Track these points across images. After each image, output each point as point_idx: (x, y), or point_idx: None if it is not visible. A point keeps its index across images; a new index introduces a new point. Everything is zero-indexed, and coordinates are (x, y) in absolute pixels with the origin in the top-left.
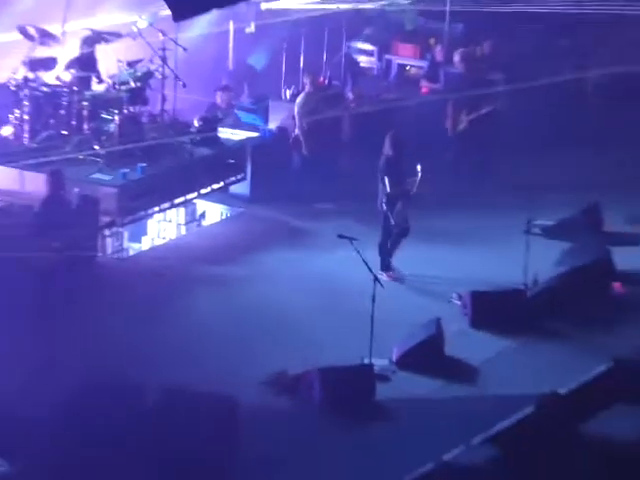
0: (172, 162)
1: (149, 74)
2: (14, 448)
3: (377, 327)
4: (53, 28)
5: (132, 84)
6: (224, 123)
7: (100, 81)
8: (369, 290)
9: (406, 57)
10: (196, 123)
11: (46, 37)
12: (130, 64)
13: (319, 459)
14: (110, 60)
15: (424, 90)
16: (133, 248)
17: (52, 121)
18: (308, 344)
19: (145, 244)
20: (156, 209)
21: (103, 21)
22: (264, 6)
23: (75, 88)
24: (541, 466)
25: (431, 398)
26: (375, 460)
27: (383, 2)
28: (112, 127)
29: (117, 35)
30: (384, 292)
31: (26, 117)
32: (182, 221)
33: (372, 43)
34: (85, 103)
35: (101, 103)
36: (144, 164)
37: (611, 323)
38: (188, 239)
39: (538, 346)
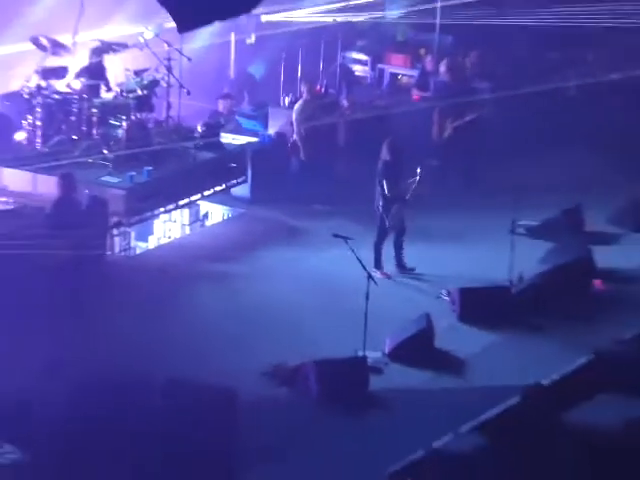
0: (177, 166)
1: (155, 82)
2: (26, 437)
3: (370, 322)
4: (64, 39)
5: (139, 92)
6: (226, 129)
7: (109, 89)
8: (363, 287)
9: (398, 67)
10: (199, 129)
11: (58, 47)
12: (137, 73)
13: (315, 446)
14: (118, 69)
15: (415, 98)
16: (140, 247)
17: (63, 127)
18: (305, 338)
19: (151, 243)
20: (162, 210)
21: (112, 32)
22: (264, 18)
23: (85, 96)
24: (526, 453)
25: (421, 389)
26: (368, 447)
27: (376, 15)
28: (120, 132)
29: (125, 46)
30: (377, 289)
31: (39, 123)
32: (186, 221)
33: (366, 53)
34: (94, 110)
35: (109, 110)
36: (150, 167)
37: (592, 318)
38: (192, 238)
39: (523, 340)
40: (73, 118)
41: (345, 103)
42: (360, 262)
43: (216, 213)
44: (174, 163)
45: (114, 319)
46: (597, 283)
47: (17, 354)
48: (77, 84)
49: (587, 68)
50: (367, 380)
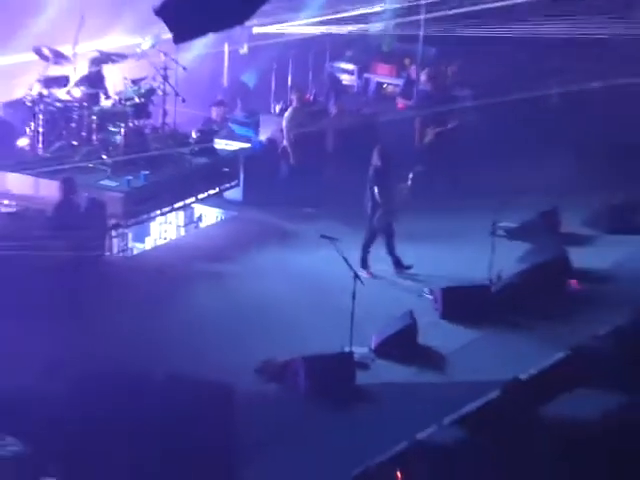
0: (172, 170)
1: (152, 91)
2: (27, 431)
3: (357, 319)
4: (65, 49)
5: (136, 100)
6: (219, 135)
7: (107, 97)
8: (350, 285)
9: (383, 76)
10: (194, 135)
11: (59, 57)
12: (135, 82)
13: (304, 439)
14: (117, 78)
15: (400, 106)
16: (137, 247)
17: (64, 133)
18: (294, 334)
19: (148, 244)
20: (158, 212)
21: (110, 43)
22: (256, 30)
23: (85, 103)
24: (505, 444)
25: (406, 383)
26: (355, 439)
27: (363, 26)
28: (118, 138)
29: (123, 56)
30: (363, 287)
31: (40, 129)
32: (181, 223)
33: (353, 63)
34: (94, 117)
35: (108, 117)
36: (147, 172)
37: (568, 316)
38: (187, 239)
39: (502, 336)
40: (73, 125)
41: (333, 111)
42: (346, 262)
43: (210, 215)
44: (170, 168)
45: (113, 317)
46: (572, 282)
47: (19, 351)
48: (77, 92)
49: (566, 77)
50: (354, 375)
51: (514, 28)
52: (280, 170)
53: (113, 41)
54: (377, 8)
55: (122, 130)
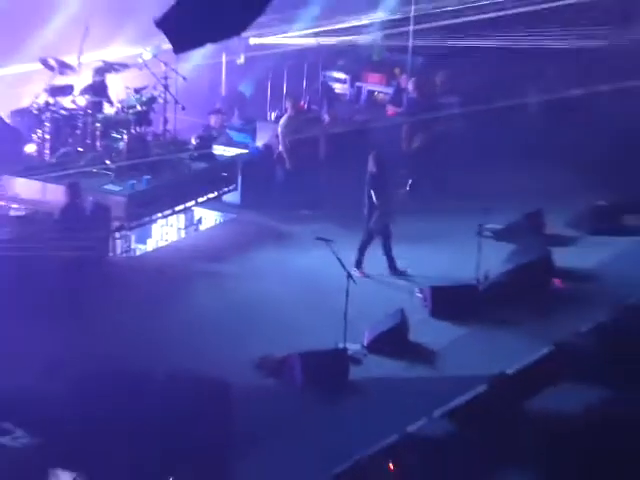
0: (173, 175)
1: (153, 99)
2: (36, 423)
3: (350, 317)
4: (70, 59)
5: (138, 108)
6: (218, 141)
7: (111, 105)
8: (343, 285)
9: (374, 84)
10: (194, 141)
11: (64, 67)
12: (137, 90)
13: (300, 430)
14: (119, 87)
15: (390, 113)
16: (139, 249)
17: (69, 140)
18: (290, 331)
19: (150, 245)
20: (159, 215)
21: (113, 53)
22: (252, 41)
23: (89, 111)
24: (492, 436)
25: (397, 378)
26: (348, 431)
27: (354, 37)
28: (121, 145)
29: (125, 65)
30: (357, 287)
31: (47, 136)
32: (182, 225)
33: (345, 72)
34: (98, 124)
35: (112, 124)
36: (149, 176)
37: (552, 313)
38: (187, 241)
39: (489, 333)
40: (78, 132)
41: (326, 118)
42: (340, 262)
43: (209, 218)
44: (171, 172)
45: (116, 316)
46: (556, 281)
47: (25, 350)
48: (82, 101)
49: (549, 86)
50: (347, 370)
51: (499, 39)
52: (276, 174)
53: (116, 52)
54: (367, 20)
55: (125, 137)
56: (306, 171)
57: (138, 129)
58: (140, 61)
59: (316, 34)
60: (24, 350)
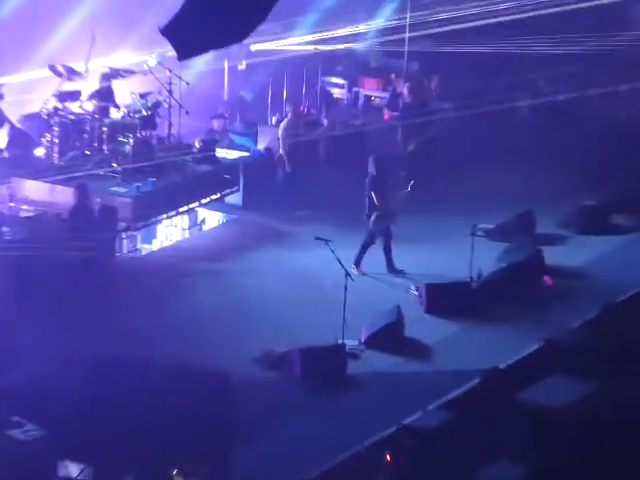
0: (177, 177)
1: (158, 104)
2: (47, 416)
3: (348, 314)
4: (78, 66)
5: (144, 112)
6: (220, 145)
7: (117, 110)
8: (341, 282)
9: (371, 89)
10: (197, 144)
11: (72, 74)
12: (142, 96)
13: (300, 423)
14: (125, 92)
15: (386, 117)
16: (145, 248)
17: (77, 143)
18: (290, 327)
19: (155, 245)
20: (164, 216)
21: (119, 60)
22: (253, 47)
23: (96, 116)
24: (485, 428)
25: (393, 372)
26: (347, 424)
27: (352, 44)
28: (127, 148)
29: (131, 72)
30: (354, 284)
31: (56, 140)
32: (186, 226)
33: (343, 78)
34: (105, 128)
35: (118, 128)
36: (154, 179)
37: (542, 309)
38: (191, 241)
39: (482, 329)
40: (86, 136)
41: (325, 122)
42: (339, 261)
43: (212, 219)
44: (175, 175)
45: (122, 311)
46: (546, 279)
47: (35, 345)
48: (89, 106)
49: (539, 90)
50: (345, 365)
51: (491, 45)
52: (277, 176)
53: (122, 58)
54: (365, 27)
55: (131, 140)
56: (306, 173)
57: (143, 133)
58: (145, 67)
59: (315, 41)
60: (34, 346)
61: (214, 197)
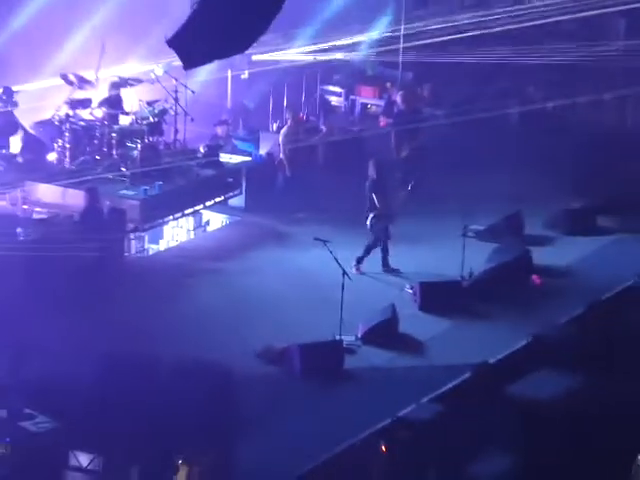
0: (183, 181)
1: (164, 111)
2: (59, 408)
3: (345, 311)
4: (88, 75)
5: (151, 119)
6: (224, 150)
7: (126, 116)
8: (339, 281)
9: (367, 97)
10: (202, 150)
11: (83, 82)
12: (149, 103)
13: (299, 415)
14: (133, 100)
15: (382, 124)
16: (152, 249)
17: (88, 149)
18: (290, 324)
19: (162, 246)
20: (170, 218)
21: (128, 69)
22: (255, 57)
23: (106, 122)
24: (476, 420)
25: (388, 367)
26: (344, 416)
27: (349, 54)
28: (135, 153)
29: (139, 80)
30: (352, 283)
31: (67, 145)
32: (191, 227)
33: (340, 86)
34: (114, 134)
35: (126, 134)
36: (161, 182)
37: (530, 307)
38: (196, 241)
39: (473, 325)
40: (96, 141)
41: (323, 128)
42: (336, 261)
43: (216, 220)
44: (181, 179)
45: (131, 308)
46: (534, 277)
47: (45, 341)
48: (99, 113)
49: (527, 98)
50: (343, 359)
51: (481, 55)
52: (277, 180)
53: (130, 68)
54: (361, 38)
55: (139, 146)
56: (305, 177)
57: (151, 139)
58: (152, 76)
59: (314, 51)
60: (45, 343)
61: (218, 200)
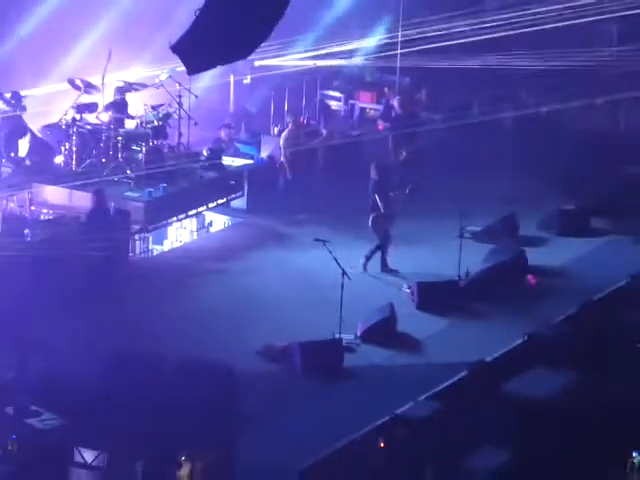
0: (186, 183)
1: (168, 115)
2: (65, 406)
3: (345, 310)
4: (95, 80)
5: (155, 123)
6: (226, 153)
7: (131, 120)
8: (339, 281)
9: (366, 102)
10: (205, 153)
11: (89, 87)
12: (154, 107)
13: (300, 412)
14: (138, 104)
15: (380, 128)
16: (156, 249)
17: (94, 152)
18: (291, 323)
19: (166, 246)
20: (174, 219)
21: (133, 74)
22: (257, 63)
23: (112, 126)
24: (472, 417)
25: (387, 365)
26: (343, 414)
27: (348, 60)
28: (140, 156)
29: (143, 85)
30: (350, 283)
31: (74, 149)
32: (194, 228)
33: (340, 91)
34: (119, 138)
35: (132, 138)
36: (165, 184)
37: (526, 306)
38: (199, 242)
39: (469, 324)
40: (102, 144)
41: (323, 132)
42: (336, 261)
43: (218, 221)
44: (184, 181)
45: (135, 307)
46: (529, 277)
47: (52, 339)
48: (105, 117)
49: (522, 103)
50: (342, 357)
51: (476, 61)
52: (278, 182)
53: (135, 73)
54: (360, 44)
55: (143, 149)
56: (305, 179)
57: (155, 142)
58: (157, 81)
59: (314, 57)
60: (51, 341)
61: (220, 201)
